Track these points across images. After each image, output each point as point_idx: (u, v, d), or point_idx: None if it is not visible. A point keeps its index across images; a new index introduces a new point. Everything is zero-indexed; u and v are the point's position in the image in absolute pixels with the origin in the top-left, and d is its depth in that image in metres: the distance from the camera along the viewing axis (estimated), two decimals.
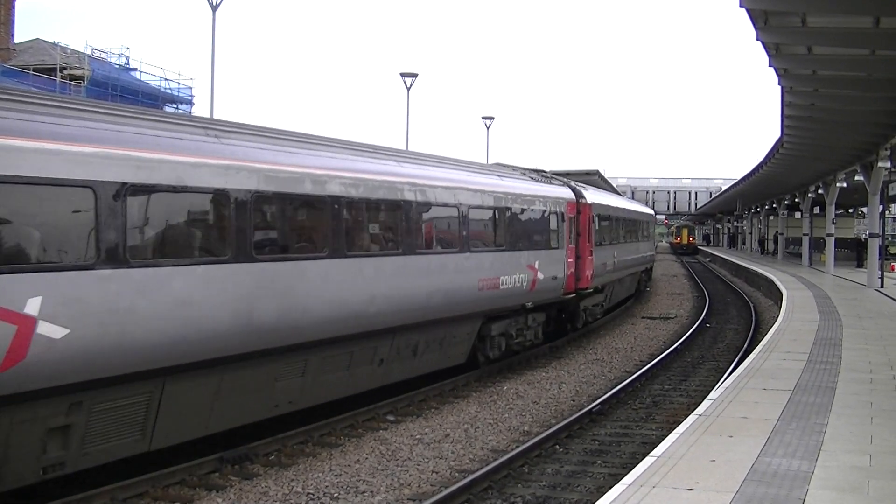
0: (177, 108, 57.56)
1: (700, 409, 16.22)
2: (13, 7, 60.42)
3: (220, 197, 14.92)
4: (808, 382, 18.92)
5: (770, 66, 28.71)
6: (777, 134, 47.55)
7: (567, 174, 56.71)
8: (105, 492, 13.83)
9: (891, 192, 53.76)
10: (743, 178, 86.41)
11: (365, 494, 14.76)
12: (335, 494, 14.70)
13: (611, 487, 11.92)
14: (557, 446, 18.10)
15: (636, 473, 12.07)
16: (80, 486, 13.67)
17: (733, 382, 18.91)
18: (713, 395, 17.83)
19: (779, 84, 32.57)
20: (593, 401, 21.93)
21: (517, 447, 17.40)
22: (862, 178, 49.80)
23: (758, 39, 25.30)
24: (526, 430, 19.50)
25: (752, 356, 22.88)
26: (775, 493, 11.18)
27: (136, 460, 14.62)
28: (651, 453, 13.28)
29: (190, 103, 62.29)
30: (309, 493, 14.70)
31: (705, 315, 43.55)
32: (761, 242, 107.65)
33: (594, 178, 78.11)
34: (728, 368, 26.33)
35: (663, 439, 14.69)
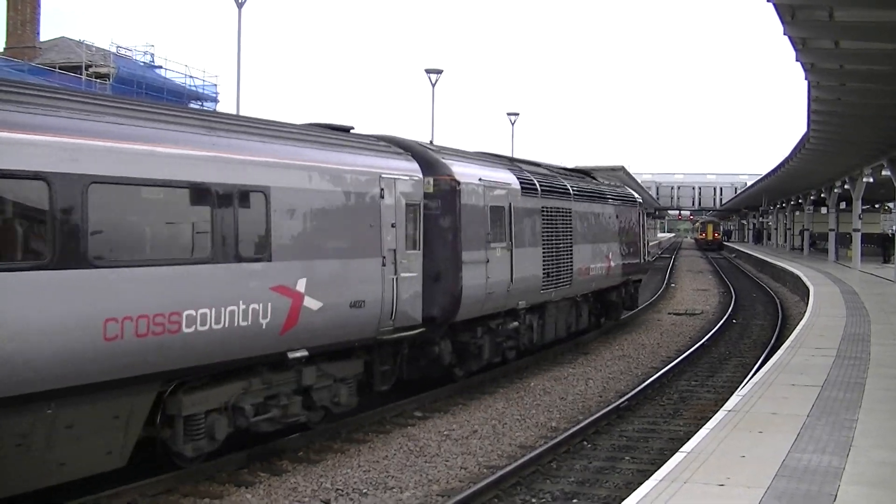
0: (202, 105, 57.65)
1: (729, 405, 16.18)
2: (38, 6, 60.67)
3: None
4: (837, 378, 18.84)
5: (797, 60, 28.51)
6: (803, 129, 47.29)
7: (592, 170, 56.29)
8: (134, 488, 13.89)
9: None
10: (768, 174, 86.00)
11: (394, 490, 14.79)
12: (364, 490, 14.75)
13: (639, 484, 11.93)
14: (585, 442, 18.09)
15: (667, 469, 12.06)
16: (109, 483, 13.69)
17: (762, 378, 18.85)
18: (742, 390, 17.79)
19: (805, 79, 32.34)
20: (620, 397, 21.90)
21: (545, 443, 17.42)
22: (889, 173, 49.49)
23: (785, 34, 25.12)
24: (553, 426, 19.50)
25: (780, 352, 22.80)
26: (806, 488, 11.15)
27: (166, 457, 14.66)
28: (681, 449, 13.27)
29: (215, 100, 62.42)
30: (338, 489, 14.74)
31: (731, 311, 43.37)
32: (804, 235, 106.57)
33: (619, 174, 78.09)
34: (755, 364, 26.21)
35: (691, 435, 14.68)
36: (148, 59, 63.00)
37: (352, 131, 19.96)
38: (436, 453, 17.02)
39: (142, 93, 51.19)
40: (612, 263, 32.91)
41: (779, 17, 23.71)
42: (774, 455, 12.74)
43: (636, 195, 39.97)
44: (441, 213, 20.63)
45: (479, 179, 22.07)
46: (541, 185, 26.07)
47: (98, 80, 53.32)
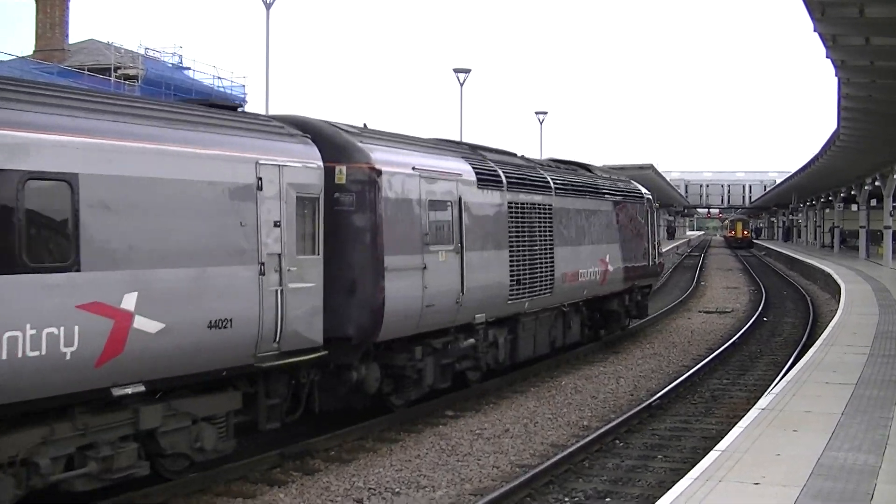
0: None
1: (762, 403, 16.14)
2: (67, 8, 61.03)
3: None
4: (870, 376, 18.76)
5: (827, 57, 28.38)
6: (833, 126, 47.06)
7: (621, 168, 55.99)
8: (166, 488, 13.93)
9: None
10: (798, 171, 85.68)
11: (426, 489, 14.79)
12: (396, 489, 14.75)
13: (672, 482, 11.91)
14: (617, 441, 18.04)
15: (702, 467, 12.03)
16: (140, 484, 13.74)
17: (795, 376, 18.79)
18: (775, 388, 17.72)
19: (835, 76, 32.20)
20: (651, 395, 21.84)
21: (577, 442, 17.37)
22: None
23: (815, 31, 25.02)
24: (585, 424, 19.46)
25: (812, 350, 22.71)
26: (843, 487, 11.10)
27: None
28: (715, 447, 13.25)
29: (243, 101, 62.59)
30: (370, 489, 14.74)
31: (762, 309, 43.20)
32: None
33: (647, 173, 77.93)
34: (787, 362, 26.09)
35: (724, 434, 14.66)
36: (176, 60, 63.29)
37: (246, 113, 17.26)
38: (468, 452, 17.01)
39: (170, 94, 51.39)
40: (611, 267, 28.74)
41: (809, 14, 23.61)
42: (809, 453, 12.68)
43: (643, 190, 34.48)
44: (356, 208, 16.98)
45: (413, 168, 18.38)
46: (508, 177, 22.26)
47: (126, 82, 53.58)
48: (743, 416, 15.70)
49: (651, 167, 78.51)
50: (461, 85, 56.10)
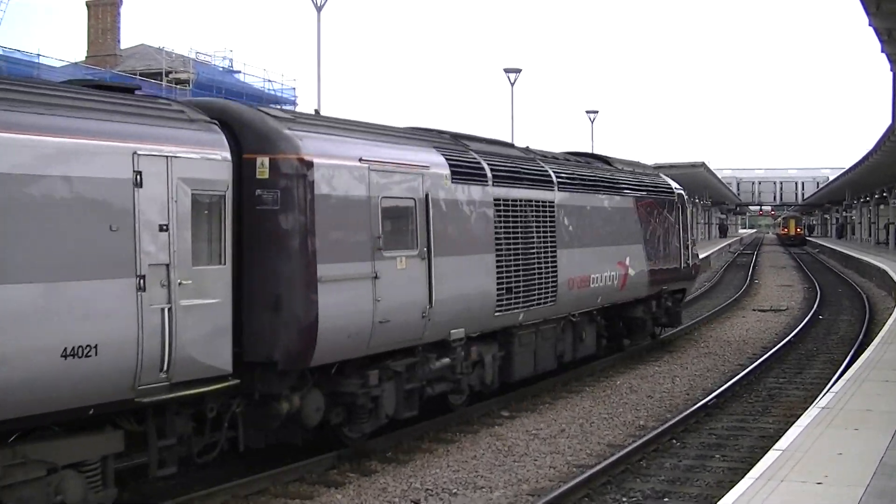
0: (280, 108, 58.19)
1: (822, 402, 15.98)
2: (119, 14, 61.65)
3: None
4: None
5: (882, 52, 28.16)
6: (888, 121, 46.64)
7: (672, 166, 55.69)
8: (226, 489, 13.99)
9: None
10: (852, 167, 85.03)
11: (483, 490, 14.76)
12: (454, 490, 14.73)
13: (730, 482, 11.82)
14: (674, 440, 17.91)
15: (762, 467, 11.92)
16: (202, 484, 13.82)
17: (854, 374, 18.60)
18: (834, 387, 17.55)
19: (891, 70, 31.99)
20: (707, 394, 21.68)
21: (633, 442, 17.28)
22: None
23: (870, 25, 24.83)
24: (641, 424, 19.36)
25: (870, 348, 22.49)
26: None
27: (255, 457, 14.79)
28: (775, 446, 13.13)
29: (293, 104, 62.92)
30: (427, 489, 14.73)
31: (817, 306, 42.78)
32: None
33: (699, 171, 77.57)
34: (844, 360, 25.81)
35: (781, 433, 14.53)
36: (227, 64, 63.80)
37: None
38: (524, 452, 16.96)
39: (221, 98, 51.74)
40: (633, 271, 25.72)
41: (864, 9, 23.43)
42: (872, 452, 12.54)
43: (673, 184, 31.11)
44: (281, 208, 14.22)
45: (361, 160, 15.49)
46: (494, 170, 19.37)
47: (178, 86, 54.05)
48: (801, 415, 15.56)
49: (703, 165, 78.19)
50: (512, 85, 56.08)
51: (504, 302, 19.25)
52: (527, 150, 22.96)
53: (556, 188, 21.80)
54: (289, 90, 63.63)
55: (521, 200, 20.11)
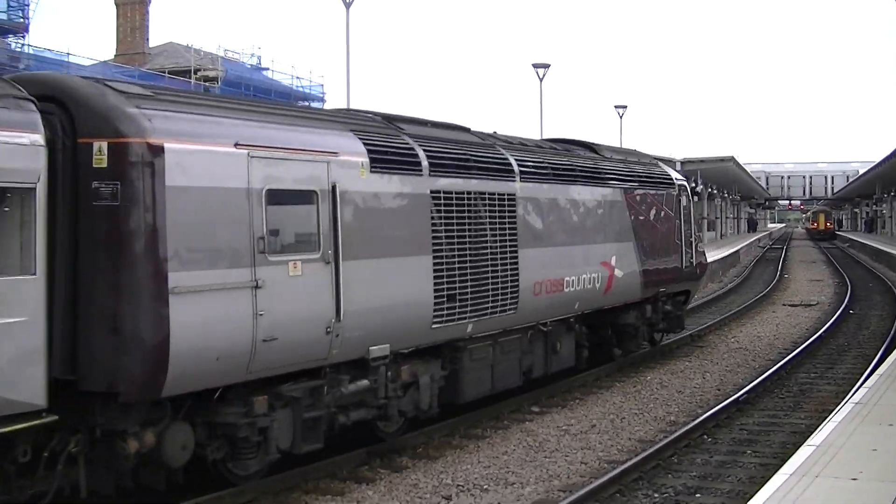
0: (308, 105, 58.38)
1: (856, 397, 15.88)
2: (147, 12, 61.93)
3: None
4: None
5: None
6: None
7: (701, 161, 55.30)
8: (256, 485, 13.96)
9: None
10: (882, 161, 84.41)
11: (514, 486, 14.74)
12: (485, 486, 14.72)
13: (762, 477, 11.76)
14: (705, 436, 17.85)
15: (796, 462, 11.87)
16: (229, 482, 13.81)
17: (887, 370, 18.49)
18: (868, 382, 17.44)
19: None
20: (738, 390, 21.58)
21: (665, 437, 17.23)
22: None
23: None
24: (672, 419, 19.29)
25: None
26: None
27: (285, 454, 14.80)
28: (808, 442, 13.07)
29: (322, 100, 63.07)
30: (459, 485, 14.73)
31: (848, 301, 42.50)
32: None
33: (728, 165, 77.25)
34: (876, 356, 25.65)
35: (813, 428, 14.48)
36: (255, 61, 64.02)
37: None
38: (555, 448, 16.94)
39: (249, 94, 51.92)
40: (621, 272, 22.53)
41: None
42: None
43: (674, 174, 27.75)
44: (122, 204, 11.47)
45: (237, 145, 12.77)
46: (432, 158, 16.32)
47: (206, 83, 54.25)
48: (833, 411, 15.48)
49: (731, 159, 77.80)
50: (540, 80, 55.95)
51: (445, 311, 16.20)
52: (489, 135, 20.02)
53: (518, 179, 18.64)
54: (317, 87, 63.79)
55: (470, 193, 17.05)
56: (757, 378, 22.97)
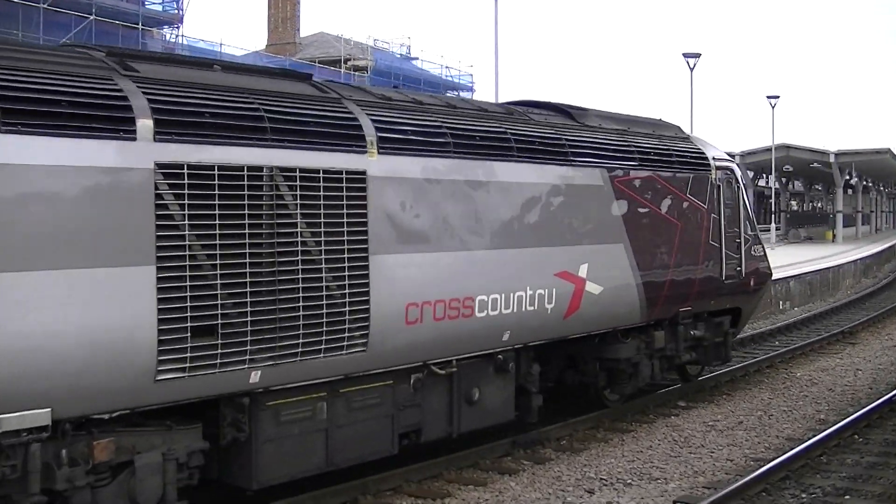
0: (457, 95, 58.65)
1: None
2: (298, 3, 62.99)
3: None
4: None
5: None
6: None
7: (856, 153, 53.92)
8: (400, 473, 14.11)
9: None
10: None
11: (658, 481, 14.63)
12: (628, 480, 14.64)
13: None
14: (856, 436, 17.43)
15: None
16: (374, 468, 13.93)
17: None
18: None
19: None
20: (893, 389, 21.01)
21: (814, 436, 16.88)
22: None
23: None
24: (822, 418, 18.91)
25: None
26: None
27: (439, 444, 14.87)
28: None
29: (470, 90, 63.36)
30: (602, 479, 14.68)
31: None
32: None
33: (885, 157, 75.14)
34: None
35: None
36: (404, 51, 64.63)
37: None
38: (701, 444, 16.76)
39: (399, 84, 52.46)
40: (600, 286, 15.99)
41: None
42: None
43: (710, 152, 19.86)
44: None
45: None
46: (160, 111, 10.07)
47: (356, 73, 54.96)
48: None
49: (888, 151, 75.46)
50: (691, 70, 55.10)
51: (190, 353, 10.19)
52: (347, 86, 14.26)
53: (375, 149, 12.29)
54: (466, 76, 64.10)
55: (256, 168, 10.84)
56: None
